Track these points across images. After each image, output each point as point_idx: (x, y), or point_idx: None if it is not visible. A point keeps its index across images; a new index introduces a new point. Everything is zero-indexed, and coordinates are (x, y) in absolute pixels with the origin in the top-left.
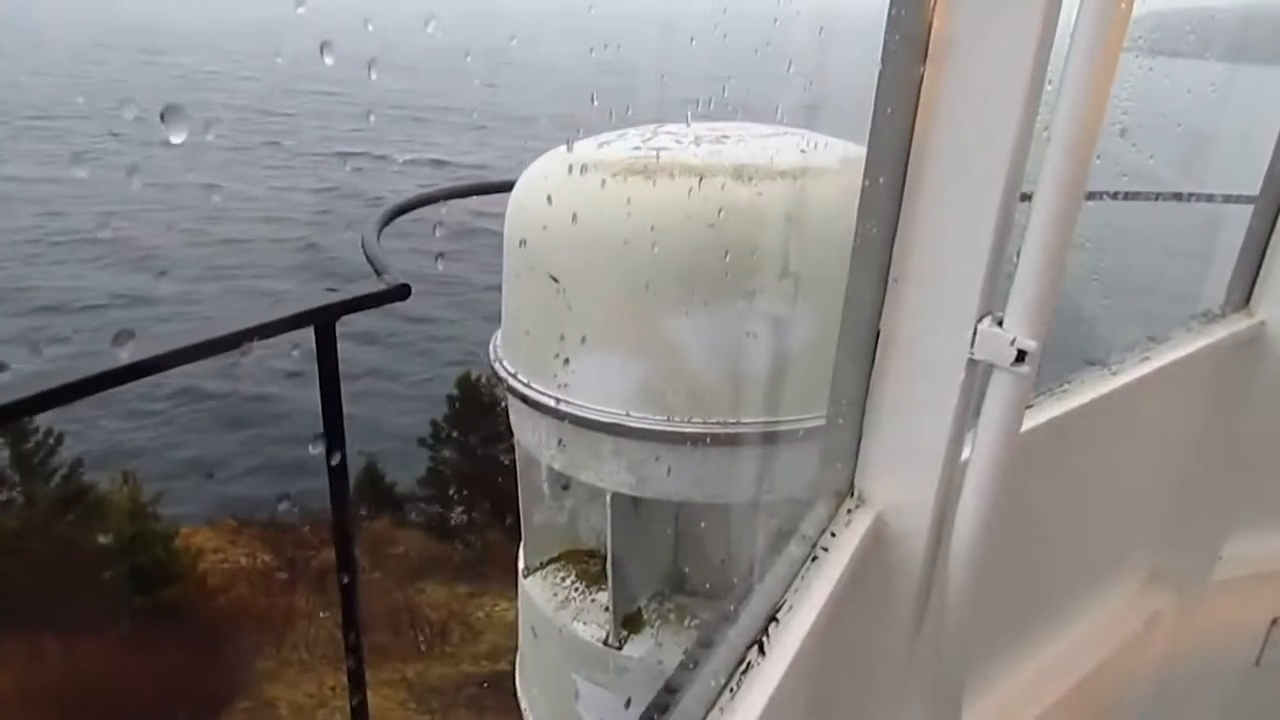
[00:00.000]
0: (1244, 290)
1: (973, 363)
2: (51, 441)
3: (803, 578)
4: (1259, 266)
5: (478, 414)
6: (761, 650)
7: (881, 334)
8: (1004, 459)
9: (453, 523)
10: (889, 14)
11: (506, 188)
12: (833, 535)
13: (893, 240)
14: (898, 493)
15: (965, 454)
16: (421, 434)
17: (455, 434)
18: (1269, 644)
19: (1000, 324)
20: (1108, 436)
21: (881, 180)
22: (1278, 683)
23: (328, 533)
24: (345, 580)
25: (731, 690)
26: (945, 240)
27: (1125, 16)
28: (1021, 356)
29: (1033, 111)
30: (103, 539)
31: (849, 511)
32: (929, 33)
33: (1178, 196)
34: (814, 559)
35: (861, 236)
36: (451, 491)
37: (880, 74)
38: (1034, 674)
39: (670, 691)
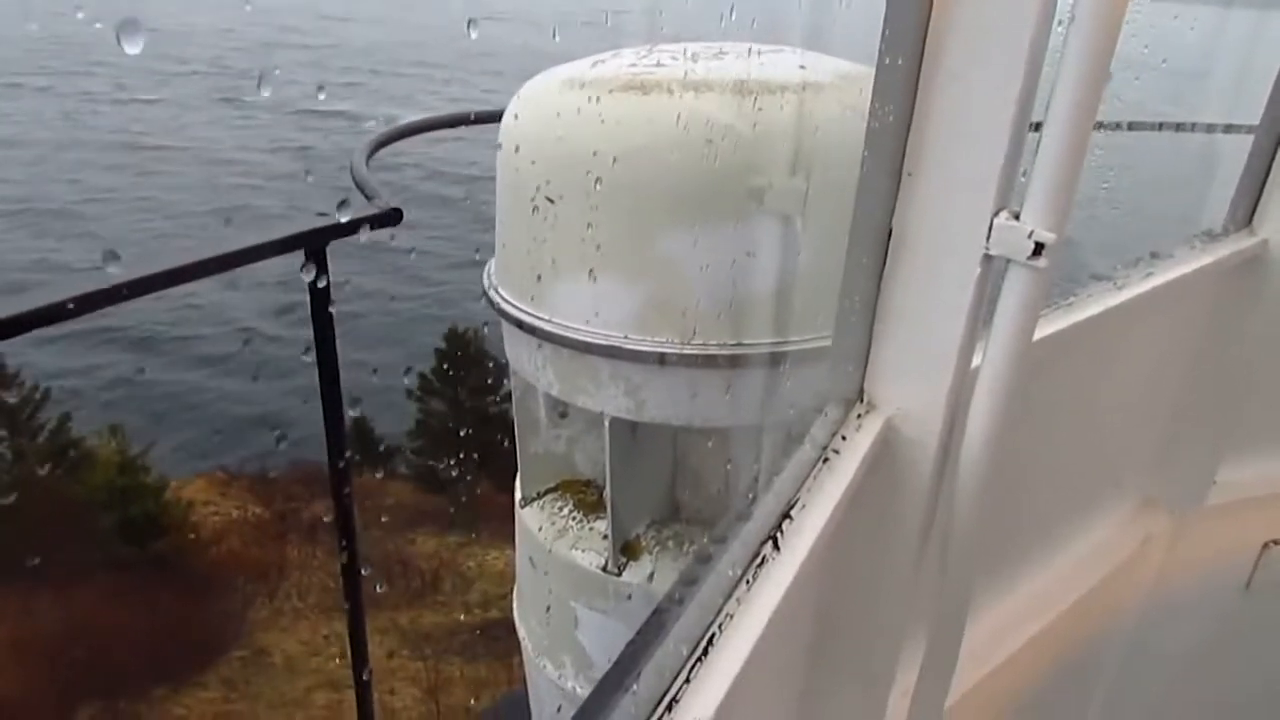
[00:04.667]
0: (1247, 209)
1: (988, 258)
2: (38, 396)
3: (815, 478)
4: (1262, 186)
5: (466, 366)
6: (776, 546)
7: (894, 231)
8: (1017, 361)
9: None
10: None
11: (496, 118)
12: (843, 439)
13: (908, 130)
14: (908, 398)
15: (977, 360)
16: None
17: (443, 385)
18: (1260, 567)
19: (1017, 217)
20: (1110, 352)
21: (898, 61)
22: (1268, 606)
23: (318, 485)
24: (342, 513)
25: (748, 582)
26: (962, 129)
27: None
28: (1039, 250)
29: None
30: (91, 492)
31: (859, 417)
32: None
33: (1179, 127)
34: (825, 460)
35: (872, 129)
36: (441, 443)
37: None
38: (1031, 592)
39: (686, 584)
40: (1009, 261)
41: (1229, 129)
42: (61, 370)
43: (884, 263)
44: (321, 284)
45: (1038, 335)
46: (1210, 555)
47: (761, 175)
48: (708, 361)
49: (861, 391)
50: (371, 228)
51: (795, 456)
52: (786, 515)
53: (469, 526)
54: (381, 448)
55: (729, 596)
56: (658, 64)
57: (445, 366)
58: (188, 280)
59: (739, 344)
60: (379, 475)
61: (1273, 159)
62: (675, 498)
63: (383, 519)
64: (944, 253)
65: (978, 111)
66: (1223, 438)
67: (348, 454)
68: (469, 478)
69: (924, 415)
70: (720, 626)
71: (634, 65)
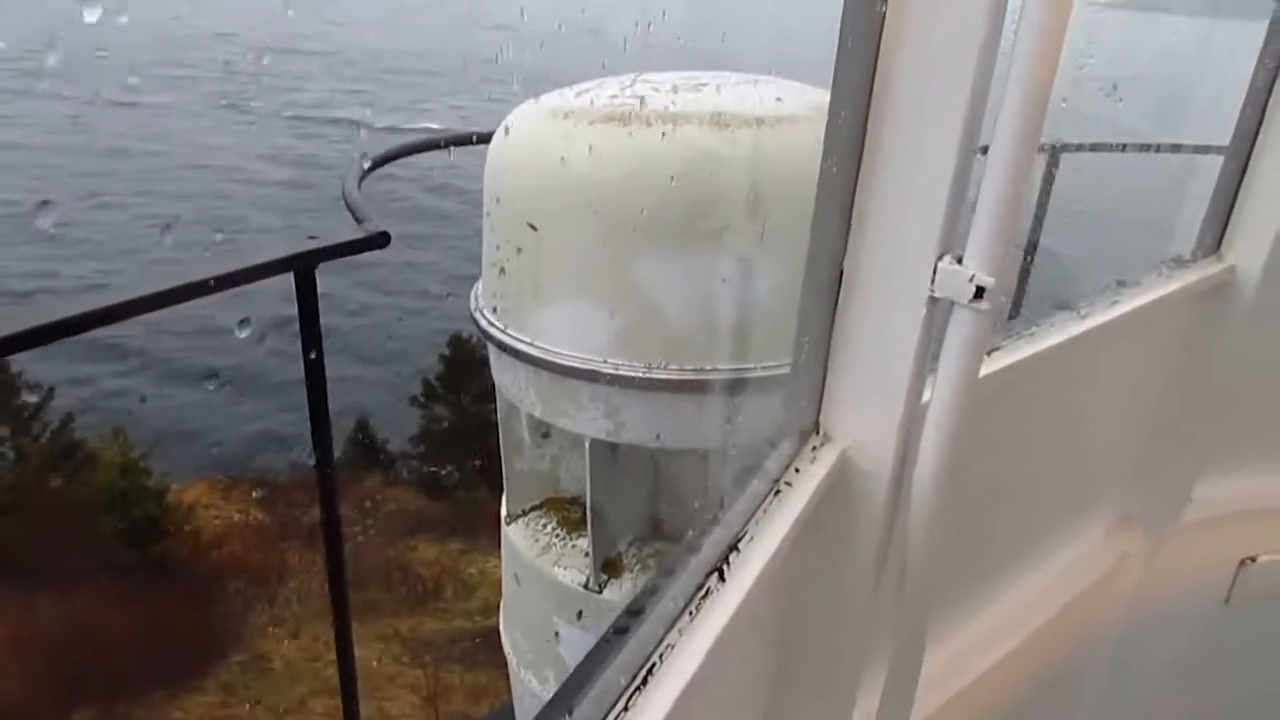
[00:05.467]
0: (1215, 235)
1: (933, 300)
2: (39, 399)
3: (765, 510)
4: (1229, 212)
5: (470, 372)
6: (721, 577)
7: (845, 272)
8: (964, 397)
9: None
10: None
11: (487, 139)
12: (796, 471)
13: (856, 177)
14: (862, 430)
15: (928, 394)
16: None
17: (446, 392)
18: (1238, 583)
19: (960, 261)
20: (1076, 380)
21: (845, 115)
22: (1248, 620)
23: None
24: (330, 522)
25: (691, 613)
26: (907, 177)
27: None
28: (980, 293)
29: (992, 49)
30: (93, 494)
31: (814, 449)
32: None
33: (1145, 147)
34: (777, 493)
35: (826, 173)
36: (442, 449)
37: (843, 9)
38: (1001, 613)
39: (632, 614)
40: (953, 303)
41: (1197, 151)
42: (56, 380)
43: (836, 302)
44: (310, 305)
45: (998, 365)
46: (1188, 571)
47: (735, 206)
48: (685, 385)
49: (817, 424)
50: (360, 251)
51: (747, 490)
52: (733, 548)
53: (471, 533)
54: (384, 454)
55: (671, 627)
56: (639, 96)
57: (449, 373)
58: (176, 302)
59: (716, 369)
60: (381, 481)
61: (1240, 182)
62: (657, 515)
63: (372, 527)
64: (892, 294)
65: (921, 161)
66: (1198, 456)
67: (334, 480)
68: (471, 484)
69: (877, 447)
70: (661, 657)
71: (616, 96)
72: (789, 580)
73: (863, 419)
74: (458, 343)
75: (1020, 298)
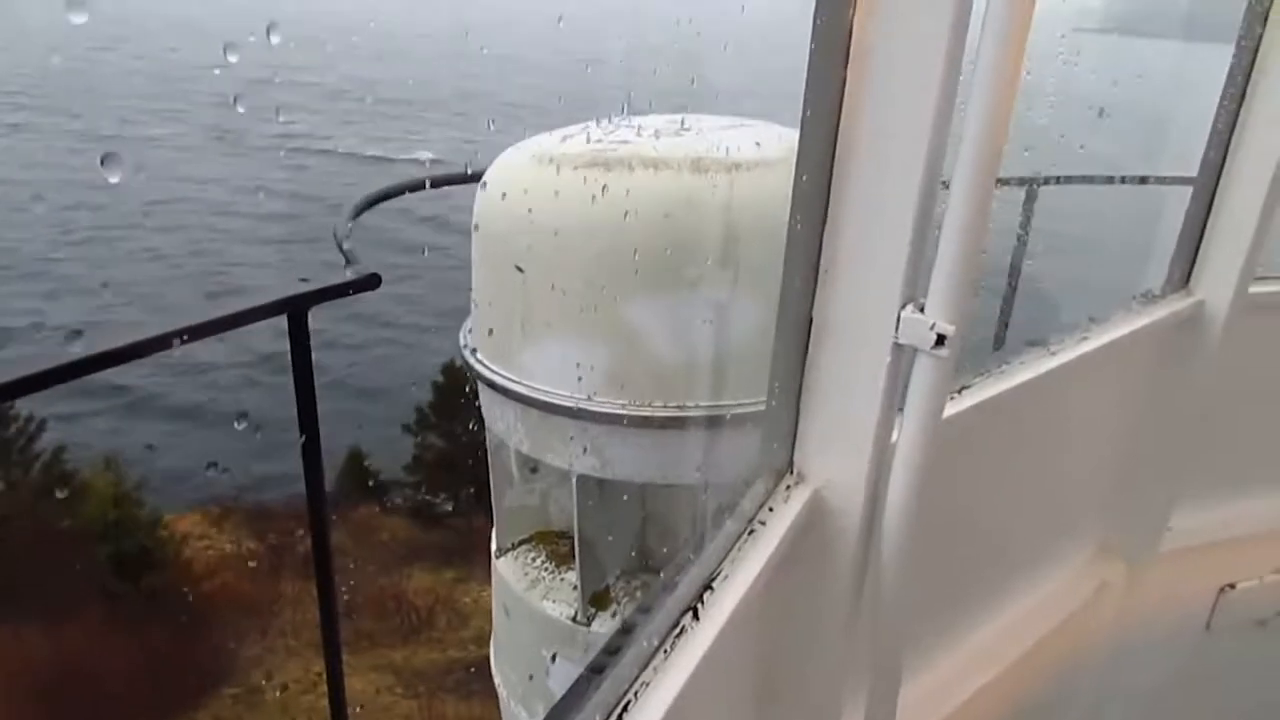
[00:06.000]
0: (1184, 270)
1: (898, 347)
2: (33, 428)
3: (739, 549)
4: (1197, 247)
5: (462, 400)
6: (695, 616)
7: (814, 322)
8: (929, 438)
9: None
10: (814, 23)
11: (476, 178)
12: (770, 510)
13: (821, 234)
14: (833, 470)
15: (897, 434)
16: None
17: (439, 420)
18: (1218, 610)
19: (921, 310)
20: (1049, 414)
21: (808, 179)
22: (1230, 647)
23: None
24: (321, 568)
25: (665, 652)
26: (869, 233)
27: (1027, 19)
28: (941, 340)
29: (946, 113)
30: (84, 525)
31: (788, 488)
32: (849, 39)
33: (1110, 180)
34: (751, 532)
35: (793, 231)
36: (436, 477)
37: (806, 79)
38: (982, 643)
39: (609, 653)
40: (916, 350)
41: (1174, 182)
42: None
43: (806, 349)
44: (303, 347)
45: (969, 402)
46: (1169, 599)
47: (713, 248)
48: (669, 422)
49: (791, 464)
50: (351, 293)
51: (722, 530)
52: (708, 586)
53: (465, 561)
54: (374, 482)
55: (646, 666)
56: (622, 140)
57: (443, 401)
58: (170, 346)
59: (698, 406)
60: (375, 510)
61: (1206, 217)
62: (645, 548)
63: (365, 556)
64: (859, 342)
65: (883, 217)
66: (1174, 486)
67: (327, 516)
68: (465, 512)
69: (849, 487)
70: (636, 694)
71: (600, 141)
72: (764, 617)
73: (834, 460)
74: (451, 371)
75: (1004, 329)
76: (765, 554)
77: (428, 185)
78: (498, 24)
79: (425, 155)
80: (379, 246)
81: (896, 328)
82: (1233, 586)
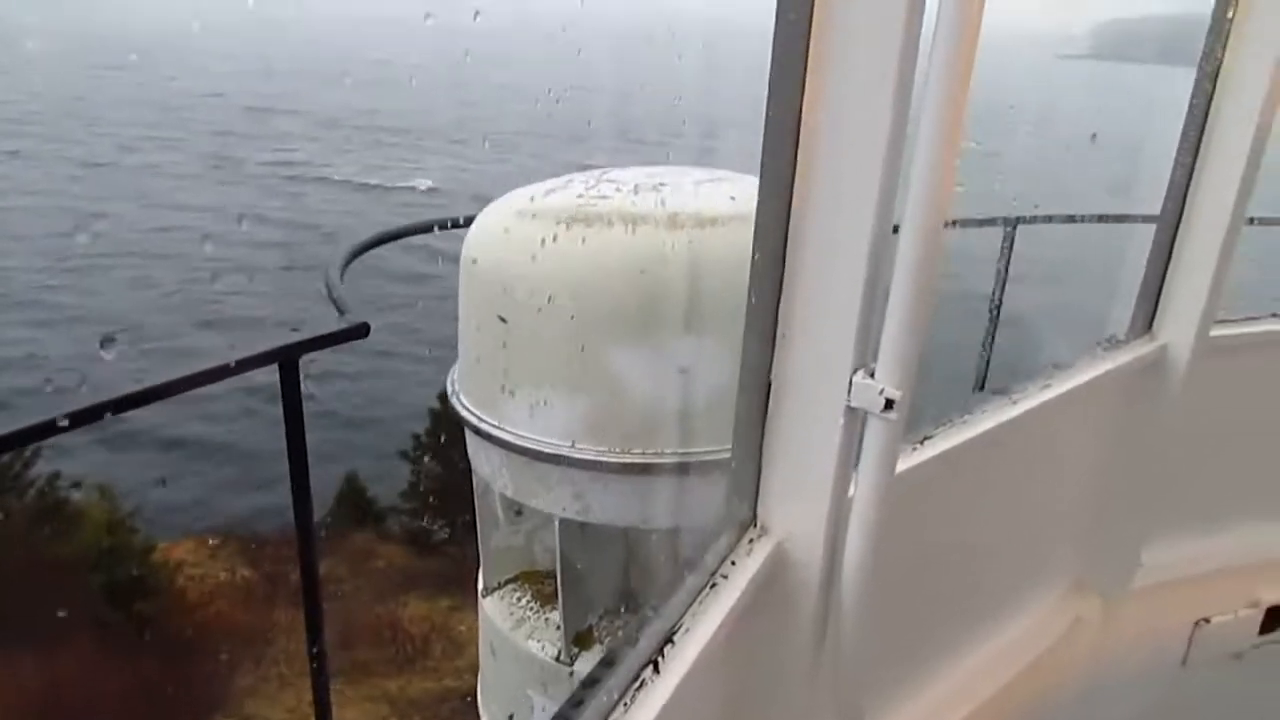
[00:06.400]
0: (1147, 314)
1: (850, 410)
2: (27, 455)
3: (701, 602)
4: (1159, 292)
5: (458, 427)
6: (656, 669)
7: (773, 384)
8: (883, 494)
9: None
10: (766, 113)
11: (467, 223)
12: (733, 563)
13: (777, 303)
14: (795, 523)
15: (854, 491)
16: None
17: (436, 447)
18: (1194, 644)
19: (872, 375)
20: (1013, 462)
21: (763, 255)
22: (1206, 681)
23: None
24: (311, 617)
25: (625, 705)
26: (821, 304)
27: (959, 112)
28: (890, 404)
29: (889, 196)
30: (78, 553)
31: (750, 541)
32: (799, 121)
33: (1071, 219)
34: (713, 585)
35: (750, 301)
36: (433, 504)
37: (761, 163)
38: (950, 688)
39: (574, 705)
40: (867, 413)
41: (1133, 220)
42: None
43: (766, 408)
44: (294, 395)
45: (931, 453)
46: (1144, 634)
47: (688, 301)
48: (649, 468)
49: (755, 517)
50: (341, 342)
51: (685, 582)
52: (669, 640)
53: (460, 589)
54: (371, 509)
55: (606, 719)
56: (601, 196)
57: (438, 428)
58: (166, 397)
59: (676, 452)
60: (371, 536)
61: (1168, 262)
62: (628, 589)
63: (361, 584)
64: (814, 404)
65: (833, 289)
66: (1145, 523)
67: (316, 562)
68: (460, 539)
69: (809, 539)
70: None
71: (581, 196)
72: (726, 669)
73: (795, 514)
74: (446, 398)
75: (986, 369)
76: (727, 606)
77: (423, 231)
78: (497, 55)
79: (424, 183)
80: (375, 274)
81: (849, 392)
82: (1207, 620)
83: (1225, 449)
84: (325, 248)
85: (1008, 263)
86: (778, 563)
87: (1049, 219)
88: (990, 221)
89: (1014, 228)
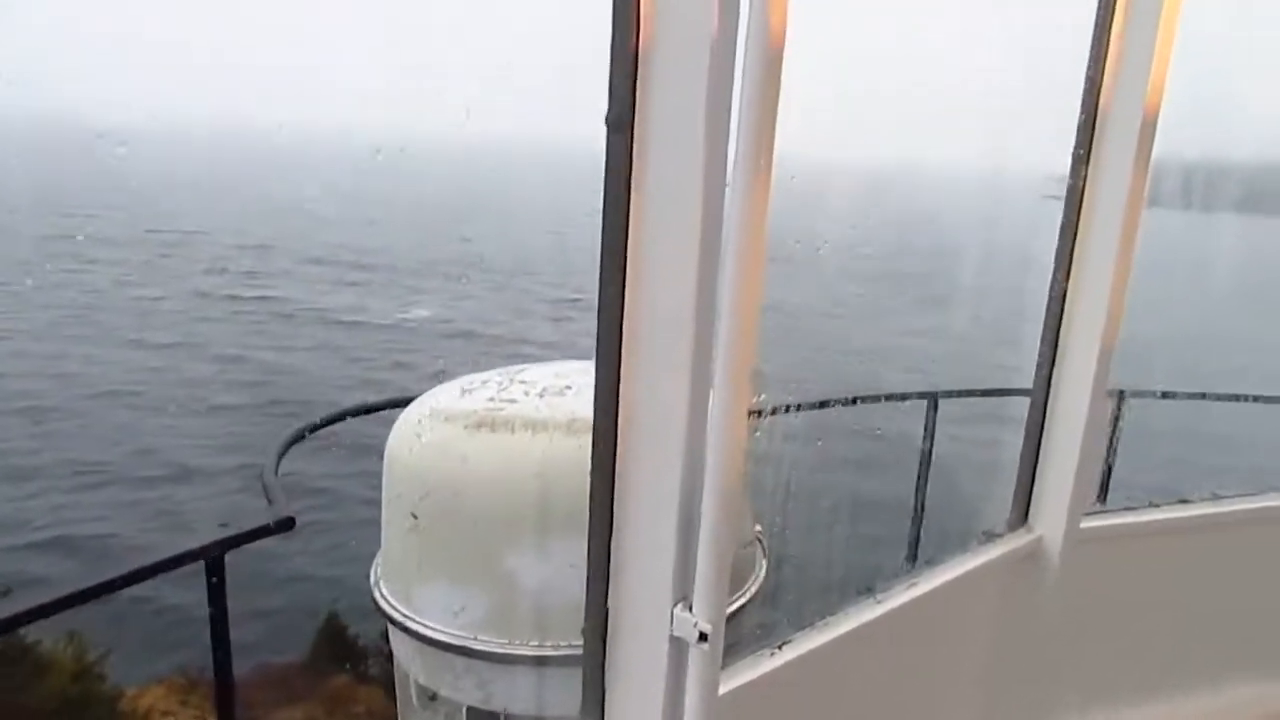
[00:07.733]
0: (1022, 507)
1: (674, 638)
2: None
3: None
4: (1031, 484)
5: None
6: None
7: (610, 614)
8: (706, 715)
9: None
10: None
11: (404, 403)
12: None
13: (609, 540)
14: None
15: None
16: None
17: None
18: None
19: (690, 608)
20: (882, 661)
21: (596, 474)
22: None
23: (281, 689)
24: None
25: None
26: (645, 540)
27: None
28: (704, 637)
29: (700, 422)
30: (42, 701)
31: None
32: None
33: (964, 393)
34: None
35: (589, 529)
36: None
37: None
38: None
39: None
40: (687, 642)
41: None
42: None
43: (605, 639)
44: (219, 591)
45: (791, 655)
46: None
47: (578, 502)
48: (545, 660)
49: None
50: (265, 536)
51: None
52: None
53: None
54: (351, 650)
55: None
56: (510, 399)
57: None
58: (90, 600)
59: (570, 644)
60: (350, 680)
61: (1038, 453)
62: None
63: None
64: (643, 634)
65: (655, 524)
66: (1033, 710)
67: None
68: None
69: None
70: None
71: (492, 399)
72: None
73: None
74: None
75: (915, 547)
76: None
77: (359, 414)
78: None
79: (421, 313)
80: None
81: (671, 623)
82: None
83: (1105, 637)
84: (307, 390)
85: (932, 435)
86: None
87: (952, 394)
88: (907, 396)
89: (934, 403)
